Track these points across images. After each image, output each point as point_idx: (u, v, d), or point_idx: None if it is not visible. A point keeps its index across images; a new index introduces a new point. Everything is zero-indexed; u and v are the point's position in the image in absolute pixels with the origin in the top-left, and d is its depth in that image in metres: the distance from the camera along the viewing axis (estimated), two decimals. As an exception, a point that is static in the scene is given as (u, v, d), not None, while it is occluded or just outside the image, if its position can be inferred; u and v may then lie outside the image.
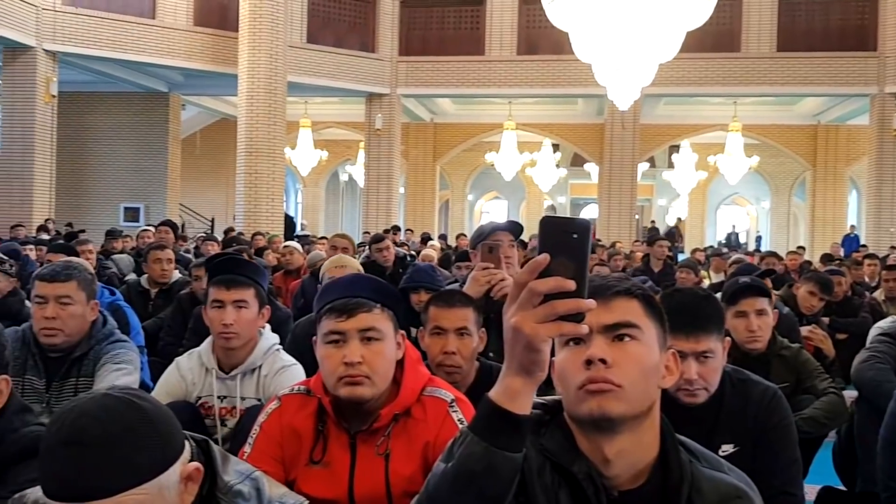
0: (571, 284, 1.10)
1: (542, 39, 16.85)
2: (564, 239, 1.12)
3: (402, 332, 2.02)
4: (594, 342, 1.30)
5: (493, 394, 1.16)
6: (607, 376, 1.28)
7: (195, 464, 1.25)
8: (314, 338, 1.96)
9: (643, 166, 21.50)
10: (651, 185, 28.05)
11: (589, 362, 1.28)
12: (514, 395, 1.15)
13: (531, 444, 1.29)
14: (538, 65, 17.09)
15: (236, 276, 2.75)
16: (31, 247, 8.02)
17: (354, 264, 4.25)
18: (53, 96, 14.47)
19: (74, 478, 1.12)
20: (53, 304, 2.77)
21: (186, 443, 1.26)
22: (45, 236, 10.65)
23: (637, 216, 20.21)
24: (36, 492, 1.29)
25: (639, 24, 8.22)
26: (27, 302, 4.23)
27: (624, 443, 1.31)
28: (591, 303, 1.12)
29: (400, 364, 1.98)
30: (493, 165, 21.19)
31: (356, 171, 22.63)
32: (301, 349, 3.02)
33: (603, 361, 1.28)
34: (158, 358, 4.30)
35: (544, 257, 1.10)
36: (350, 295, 1.91)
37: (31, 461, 1.61)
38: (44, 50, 14.20)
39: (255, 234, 11.18)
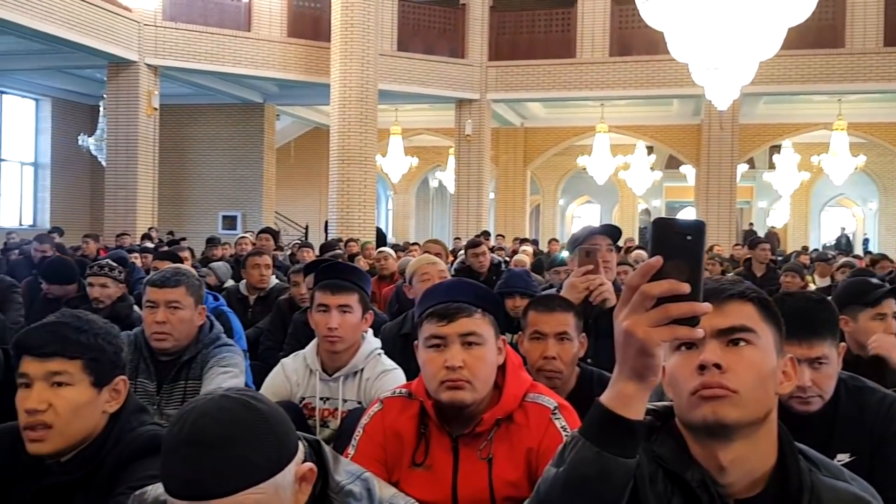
0: (686, 287, 1.08)
1: (635, 40, 16.57)
2: (678, 241, 1.10)
3: (504, 337, 2.00)
4: (708, 347, 1.27)
5: (605, 399, 1.16)
6: (722, 382, 1.25)
7: (309, 464, 1.27)
8: (416, 342, 1.98)
9: (742, 167, 20.86)
10: (751, 186, 27.19)
11: (702, 367, 1.26)
12: (627, 400, 1.14)
13: (643, 451, 1.27)
14: (631, 66, 16.78)
15: (342, 282, 2.82)
16: (137, 254, 8.29)
17: (442, 263, 4.25)
18: (155, 109, 14.97)
19: (195, 477, 1.14)
20: (164, 308, 2.86)
21: (300, 443, 1.28)
22: (148, 244, 11.01)
23: (737, 219, 19.63)
24: (157, 489, 1.33)
25: (738, 21, 7.98)
26: (136, 307, 4.41)
27: (740, 450, 1.28)
28: (706, 306, 1.10)
29: (502, 369, 1.97)
30: (584, 169, 20.91)
31: (446, 177, 22.66)
32: (387, 352, 3.05)
33: (717, 367, 1.25)
34: (259, 362, 4.38)
35: (657, 260, 1.09)
36: (451, 300, 1.92)
37: (148, 459, 1.67)
38: (146, 64, 14.72)
39: (348, 241, 11.33)
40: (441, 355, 1.87)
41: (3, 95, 17.55)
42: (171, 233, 15.02)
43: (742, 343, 1.28)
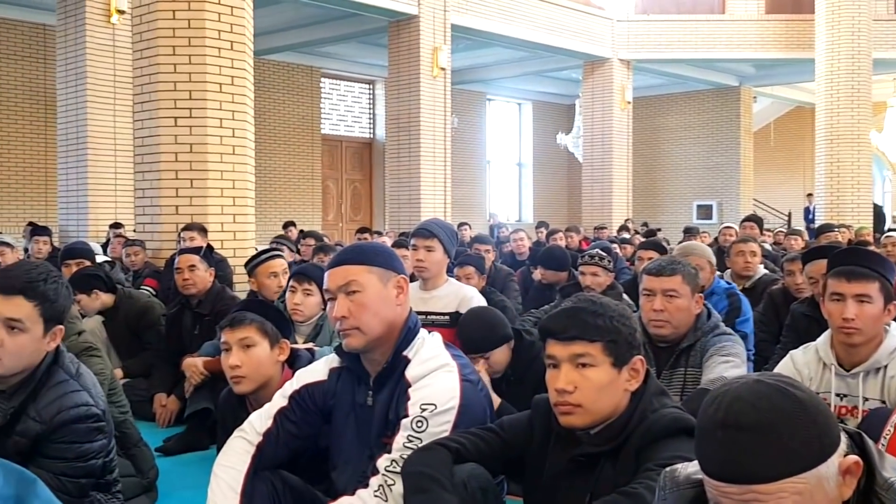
0: None
1: None
2: None
3: None
4: None
5: None
6: None
7: (854, 457, 1.21)
8: None
9: None
10: None
11: None
12: None
13: None
14: None
15: (860, 269, 2.58)
16: (616, 245, 8.49)
17: None
18: (628, 102, 15.47)
19: (732, 460, 1.15)
20: (661, 297, 2.89)
21: (842, 435, 1.22)
22: (625, 235, 11.21)
23: None
24: (687, 468, 1.39)
25: None
26: (624, 295, 4.43)
27: None
28: None
29: None
30: None
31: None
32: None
33: None
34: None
35: None
36: None
37: (673, 439, 1.78)
38: (619, 59, 15.26)
39: (839, 226, 10.32)
40: None
41: (491, 102, 19.35)
42: (645, 224, 15.26)
43: None
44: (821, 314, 2.73)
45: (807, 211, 16.65)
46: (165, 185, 6.07)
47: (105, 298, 4.58)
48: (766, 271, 5.57)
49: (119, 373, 4.29)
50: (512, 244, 8.49)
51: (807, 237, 8.81)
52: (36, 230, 8.13)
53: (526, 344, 3.17)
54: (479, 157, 18.91)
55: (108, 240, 8.18)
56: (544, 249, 6.26)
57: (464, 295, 3.72)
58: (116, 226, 8.60)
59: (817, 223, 12.23)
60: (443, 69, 11.97)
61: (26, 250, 8.01)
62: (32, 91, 12.25)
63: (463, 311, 3.66)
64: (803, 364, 2.69)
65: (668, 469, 1.44)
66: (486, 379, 3.07)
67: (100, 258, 6.34)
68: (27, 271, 2.19)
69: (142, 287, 5.72)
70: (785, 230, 11.18)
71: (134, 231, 7.04)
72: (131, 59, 6.43)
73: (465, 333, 3.23)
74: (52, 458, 2.14)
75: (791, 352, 2.80)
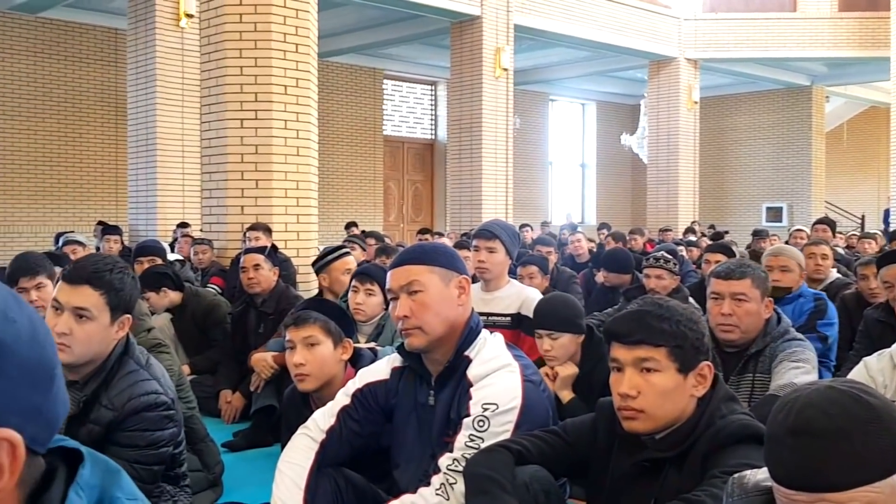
0: None
1: None
2: None
3: None
4: None
5: None
6: None
7: None
8: None
9: None
10: None
11: None
12: None
13: None
14: None
15: None
16: (682, 247, 8.34)
17: None
18: (695, 102, 15.17)
19: (802, 467, 1.13)
20: (729, 300, 2.83)
21: None
22: (692, 238, 11.01)
23: None
24: (755, 475, 1.36)
25: None
26: (690, 299, 4.36)
27: None
28: None
29: None
30: None
31: None
32: None
33: None
34: (825, 361, 4.22)
35: None
36: None
37: (741, 446, 1.72)
38: (685, 59, 15.01)
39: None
40: None
41: (554, 102, 19.23)
42: (712, 226, 14.98)
43: None
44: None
45: (887, 213, 16.18)
46: (231, 185, 6.18)
47: (173, 296, 4.68)
48: (839, 275, 5.43)
49: (186, 369, 4.36)
50: (570, 246, 8.43)
51: (884, 241, 8.55)
52: (107, 229, 8.34)
53: (596, 339, 3.14)
54: (542, 157, 18.80)
55: (175, 239, 8.35)
56: (607, 252, 6.19)
57: (526, 296, 3.69)
58: (183, 225, 8.78)
59: (893, 227, 11.85)
60: (505, 70, 11.93)
61: (98, 248, 8.23)
62: (104, 94, 12.60)
63: (525, 312, 3.64)
64: (878, 371, 2.59)
65: (736, 475, 1.42)
66: (571, 371, 3.09)
67: (171, 256, 6.48)
68: (94, 262, 2.26)
69: (208, 285, 5.83)
70: (858, 233, 10.86)
71: (200, 231, 7.18)
72: (199, 63, 6.56)
73: (537, 309, 3.21)
74: (125, 445, 2.19)
75: (865, 358, 2.70)
